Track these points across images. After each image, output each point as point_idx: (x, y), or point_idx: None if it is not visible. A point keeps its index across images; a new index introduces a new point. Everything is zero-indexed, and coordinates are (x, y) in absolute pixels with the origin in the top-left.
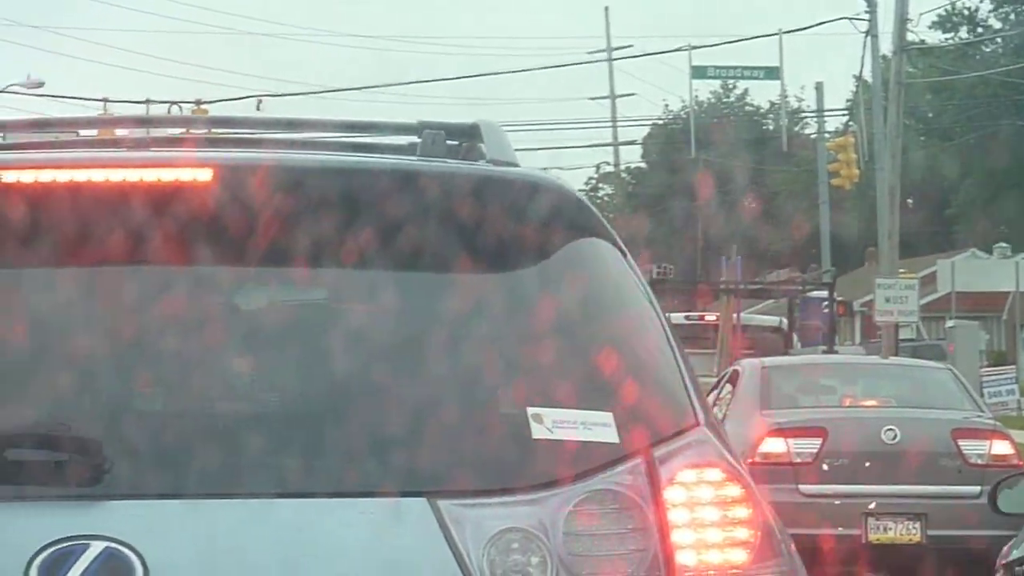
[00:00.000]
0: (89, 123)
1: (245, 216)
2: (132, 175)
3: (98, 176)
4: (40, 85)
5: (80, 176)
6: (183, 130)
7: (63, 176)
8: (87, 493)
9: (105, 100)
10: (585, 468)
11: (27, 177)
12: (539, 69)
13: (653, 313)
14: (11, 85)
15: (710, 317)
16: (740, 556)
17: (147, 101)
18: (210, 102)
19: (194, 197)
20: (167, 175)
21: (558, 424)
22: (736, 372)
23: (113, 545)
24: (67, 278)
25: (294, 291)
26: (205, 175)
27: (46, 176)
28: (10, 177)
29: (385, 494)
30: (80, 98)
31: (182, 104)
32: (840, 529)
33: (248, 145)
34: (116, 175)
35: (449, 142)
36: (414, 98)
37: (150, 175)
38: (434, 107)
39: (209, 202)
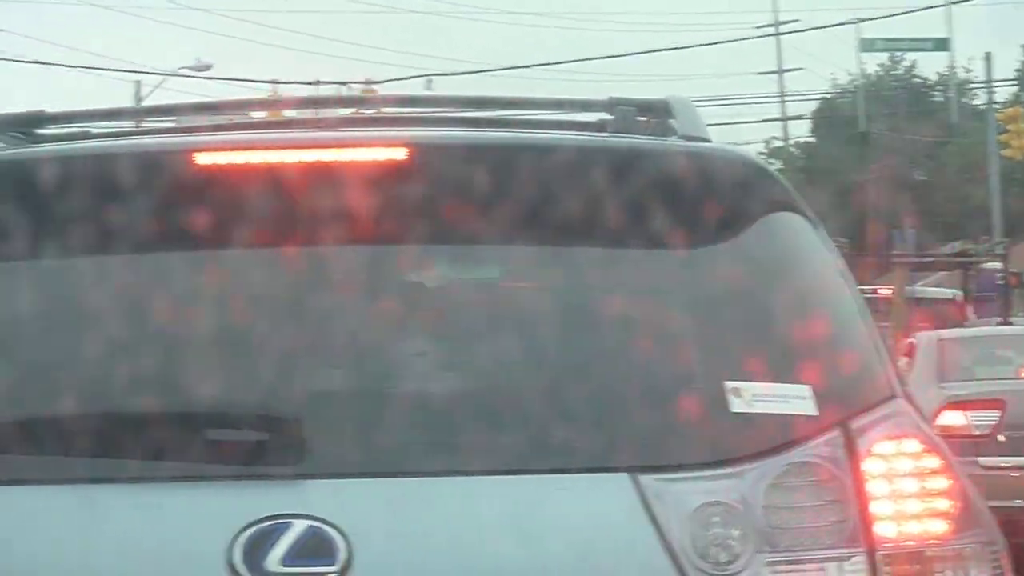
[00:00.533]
0: (263, 104)
1: (444, 194)
2: (326, 155)
3: (295, 156)
4: (208, 68)
5: (278, 156)
6: (354, 110)
7: (261, 157)
8: (288, 473)
9: (274, 82)
10: (784, 441)
11: (226, 159)
12: (707, 45)
13: (845, 285)
14: (180, 68)
15: (884, 290)
16: (939, 527)
17: (316, 82)
18: (379, 82)
19: (390, 176)
20: (363, 154)
21: (757, 398)
22: (912, 345)
23: (315, 523)
24: (264, 258)
25: (489, 268)
26: (401, 154)
27: (245, 157)
28: (209, 159)
29: (585, 470)
30: (248, 80)
31: (351, 84)
32: (1018, 501)
33: (429, 124)
34: (311, 155)
35: (638, 118)
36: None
37: (345, 155)
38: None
39: (406, 180)
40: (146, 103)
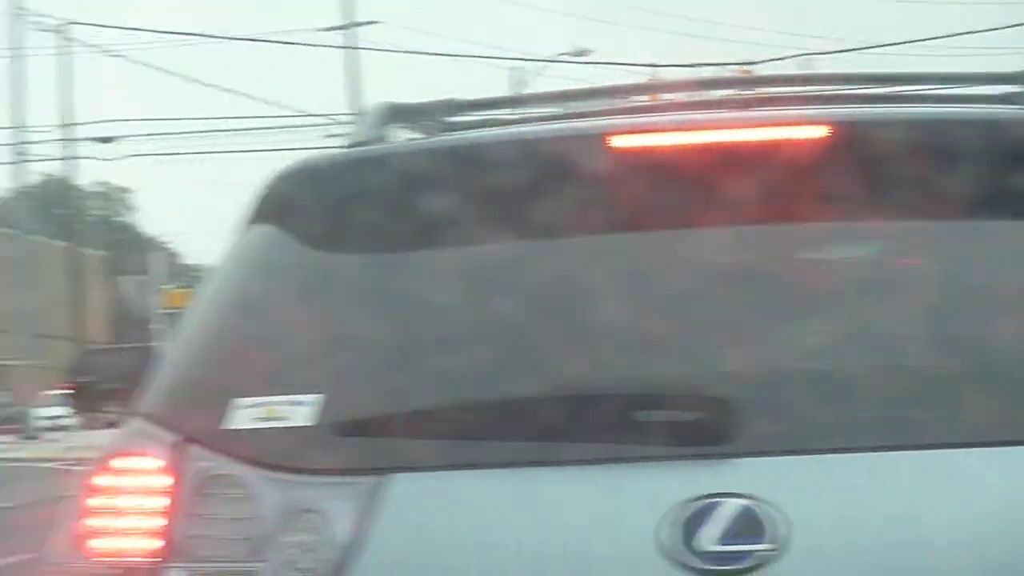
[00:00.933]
0: (664, 87)
1: (865, 173)
2: (750, 135)
3: (717, 136)
4: (587, 53)
5: (701, 137)
6: (733, 91)
7: (685, 138)
8: (718, 452)
9: (652, 65)
10: None
11: (641, 141)
12: None
13: None
14: (560, 54)
15: None
16: None
17: (694, 64)
18: (756, 63)
19: (813, 154)
20: (781, 133)
21: None
22: None
23: (749, 502)
24: (679, 238)
25: (901, 245)
26: (820, 132)
27: (669, 139)
28: (625, 142)
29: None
30: (627, 64)
31: (729, 66)
32: None
33: (826, 101)
34: (734, 135)
35: None
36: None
37: (761, 134)
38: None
39: (828, 159)
40: (528, 90)
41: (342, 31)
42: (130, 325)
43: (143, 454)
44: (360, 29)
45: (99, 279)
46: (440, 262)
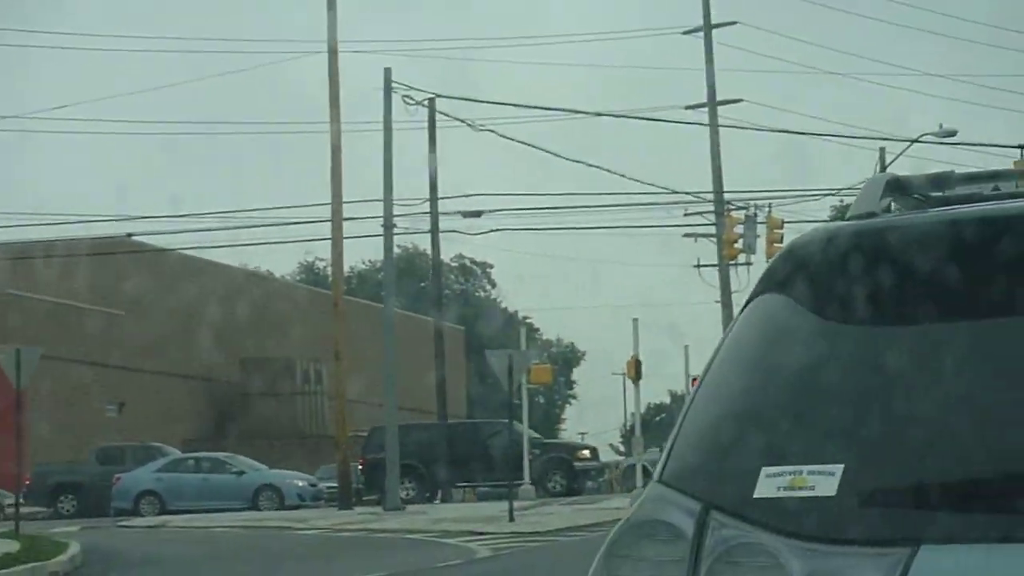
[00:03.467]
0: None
1: None
2: None
3: None
4: (953, 134)
5: None
6: None
7: None
8: None
9: (1020, 147)
10: None
11: None
12: None
13: None
14: (924, 135)
15: None
16: None
17: None
18: None
19: None
20: None
21: None
22: None
23: None
24: None
25: None
26: None
27: None
28: None
29: None
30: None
31: None
32: None
33: None
34: None
35: None
36: None
37: None
38: None
39: None
40: (889, 169)
41: (705, 109)
42: (489, 400)
43: (665, 521)
44: (725, 107)
45: (459, 353)
46: (958, 334)
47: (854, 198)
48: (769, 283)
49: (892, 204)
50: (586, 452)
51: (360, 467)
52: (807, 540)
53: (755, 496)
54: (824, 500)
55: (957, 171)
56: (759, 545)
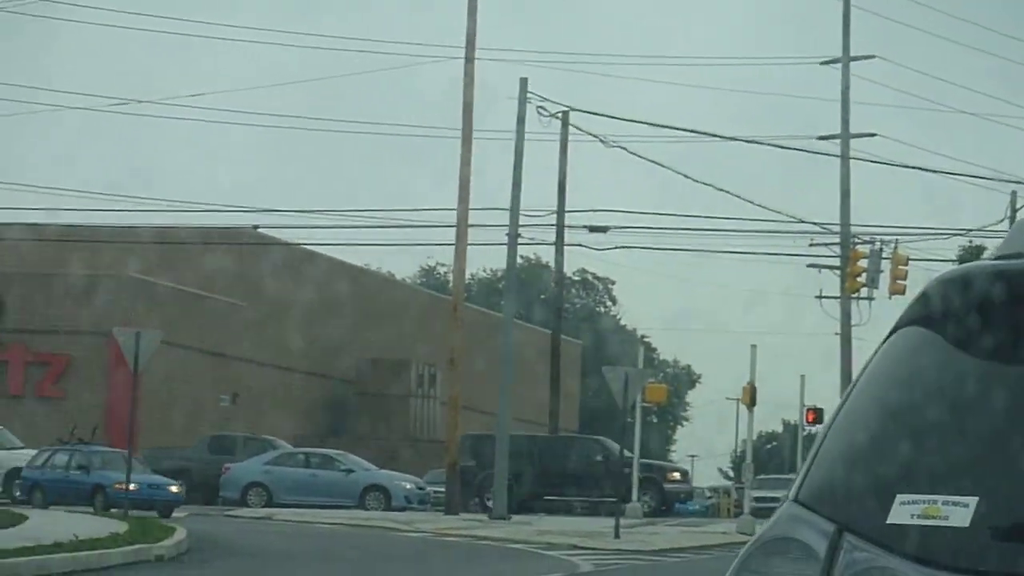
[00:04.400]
0: None
1: None
2: None
3: None
4: None
5: None
6: None
7: None
8: None
9: None
10: None
11: None
12: None
13: None
14: None
15: None
16: None
17: None
18: None
19: None
20: None
21: None
22: None
23: None
24: None
25: None
26: None
27: None
28: None
29: None
30: None
31: None
32: None
33: None
34: None
35: None
36: None
37: None
38: None
39: None
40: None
41: (838, 140)
42: (602, 416)
43: (798, 539)
44: (857, 140)
45: (575, 368)
46: None
47: (1001, 239)
48: (913, 316)
49: None
50: (676, 474)
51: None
52: (939, 569)
53: (888, 522)
54: (957, 531)
55: None
56: (890, 570)
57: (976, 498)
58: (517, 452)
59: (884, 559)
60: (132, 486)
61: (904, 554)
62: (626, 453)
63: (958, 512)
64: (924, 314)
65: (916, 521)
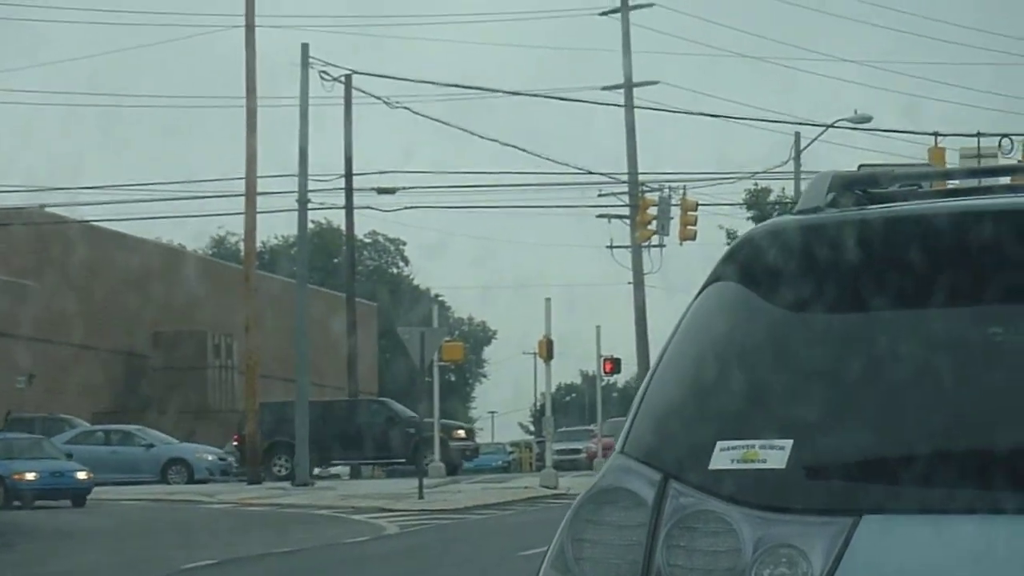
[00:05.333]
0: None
1: None
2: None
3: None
4: (868, 120)
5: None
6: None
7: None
8: None
9: (935, 134)
10: None
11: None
12: None
13: None
14: (838, 120)
15: None
16: None
17: (978, 134)
18: None
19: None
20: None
21: None
22: None
23: None
24: None
25: None
26: None
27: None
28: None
29: None
30: (908, 132)
31: (1013, 137)
32: None
33: None
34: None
35: None
36: None
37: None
38: None
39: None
40: (804, 154)
41: (622, 90)
42: (401, 376)
43: (628, 488)
44: (641, 89)
45: (372, 330)
46: (899, 321)
47: (802, 193)
48: (724, 270)
49: (835, 199)
50: (461, 432)
51: (235, 443)
52: (758, 509)
53: (710, 468)
54: (774, 472)
55: (896, 168)
56: (713, 513)
57: (791, 441)
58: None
59: (708, 503)
60: (31, 475)
61: (726, 497)
62: (410, 413)
63: (775, 455)
64: (734, 269)
65: (736, 465)
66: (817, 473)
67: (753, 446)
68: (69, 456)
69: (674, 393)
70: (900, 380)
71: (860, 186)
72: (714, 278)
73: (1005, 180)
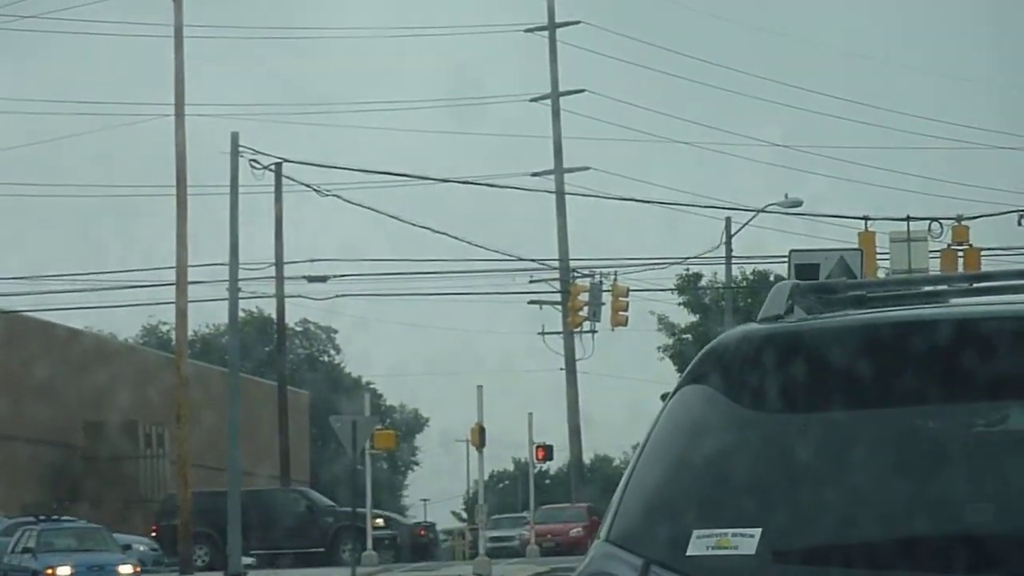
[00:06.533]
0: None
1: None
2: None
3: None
4: (798, 204)
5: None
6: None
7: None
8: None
9: (865, 218)
10: None
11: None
12: None
13: None
14: (769, 205)
15: None
16: None
17: (908, 218)
18: (971, 218)
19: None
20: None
21: None
22: None
23: None
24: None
25: None
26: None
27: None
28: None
29: None
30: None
31: (942, 221)
32: None
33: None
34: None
35: None
36: None
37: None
38: None
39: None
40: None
41: (552, 176)
42: (335, 464)
43: (614, 574)
44: (572, 175)
45: (304, 418)
46: (856, 420)
47: (765, 302)
48: (692, 376)
49: (794, 307)
50: (379, 520)
51: (154, 534)
52: None
53: (688, 554)
54: (745, 557)
55: (851, 280)
56: None
57: (760, 529)
58: (224, 508)
59: None
60: (66, 570)
61: None
62: (328, 502)
63: (745, 542)
64: (703, 372)
65: (711, 552)
66: (783, 558)
67: (726, 534)
68: (127, 548)
69: (653, 485)
70: (859, 475)
71: (817, 294)
72: (684, 382)
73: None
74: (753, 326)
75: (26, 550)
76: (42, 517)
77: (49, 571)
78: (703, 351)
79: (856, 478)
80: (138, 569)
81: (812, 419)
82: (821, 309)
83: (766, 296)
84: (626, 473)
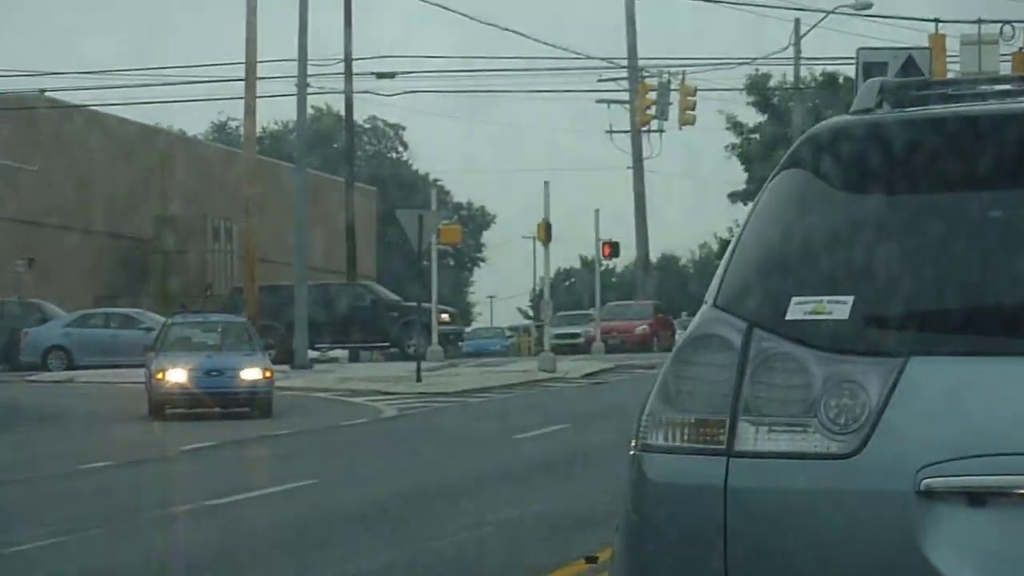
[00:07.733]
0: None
1: None
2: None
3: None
4: (868, 6)
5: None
6: None
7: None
8: None
9: (936, 20)
10: None
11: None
12: None
13: None
14: (839, 7)
15: None
16: None
17: (979, 21)
18: None
19: None
20: None
21: None
22: None
23: None
24: None
25: None
26: None
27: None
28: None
29: None
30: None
31: (1014, 24)
32: None
33: None
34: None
35: None
36: None
37: None
38: None
39: None
40: (804, 41)
41: None
42: (402, 259)
43: (719, 335)
44: None
45: (371, 214)
46: (945, 200)
47: (856, 96)
48: (793, 160)
49: (883, 102)
50: (445, 316)
51: None
52: (825, 351)
53: (787, 318)
54: (839, 322)
55: (933, 78)
56: (790, 354)
57: (852, 297)
58: (291, 302)
59: (785, 346)
60: (179, 374)
61: (799, 341)
62: (394, 297)
63: (839, 308)
64: (801, 158)
65: (808, 316)
66: (874, 323)
67: (822, 301)
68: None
69: (755, 257)
70: (947, 250)
71: (906, 90)
72: (783, 167)
73: None
74: (847, 117)
75: (152, 348)
76: (179, 309)
77: (160, 375)
78: (802, 137)
79: (947, 255)
80: (268, 374)
81: (905, 201)
82: (908, 105)
83: (834, 97)
84: (730, 246)
